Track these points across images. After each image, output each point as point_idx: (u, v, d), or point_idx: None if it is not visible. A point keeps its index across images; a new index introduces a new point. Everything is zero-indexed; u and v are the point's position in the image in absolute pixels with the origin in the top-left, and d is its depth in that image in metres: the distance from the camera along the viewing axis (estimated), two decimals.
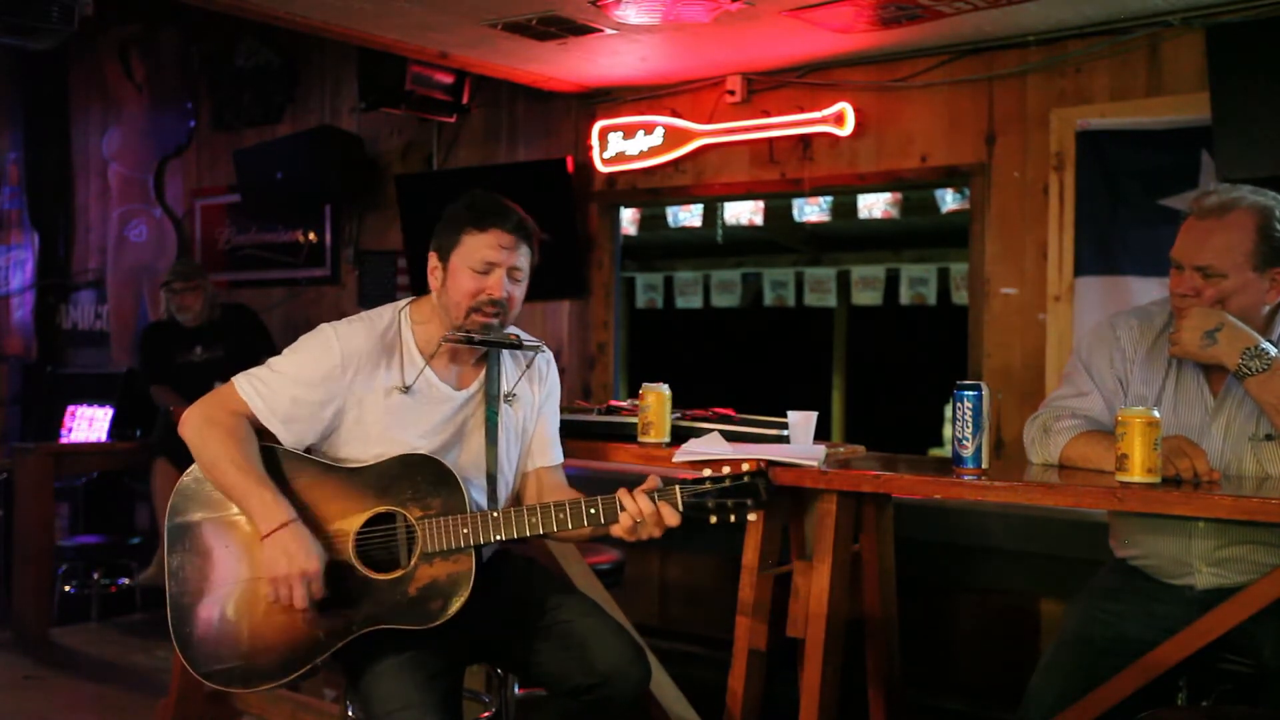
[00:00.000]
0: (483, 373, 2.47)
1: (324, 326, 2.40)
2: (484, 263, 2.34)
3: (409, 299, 2.50)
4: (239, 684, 2.31)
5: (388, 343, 2.39)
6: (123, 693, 4.20)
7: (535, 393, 2.55)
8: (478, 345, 2.39)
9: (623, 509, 2.24)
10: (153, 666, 4.47)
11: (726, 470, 2.26)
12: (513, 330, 2.45)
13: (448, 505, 2.27)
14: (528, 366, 2.54)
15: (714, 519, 2.24)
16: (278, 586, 2.21)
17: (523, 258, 2.40)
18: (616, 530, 2.26)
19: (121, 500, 6.32)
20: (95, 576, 5.34)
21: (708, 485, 2.25)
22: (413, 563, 2.26)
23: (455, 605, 2.23)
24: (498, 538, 2.26)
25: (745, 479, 2.24)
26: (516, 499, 2.56)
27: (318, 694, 3.35)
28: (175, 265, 5.90)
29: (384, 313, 2.45)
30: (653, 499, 2.24)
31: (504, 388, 2.48)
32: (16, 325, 7.77)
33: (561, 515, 2.26)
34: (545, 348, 2.55)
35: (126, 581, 5.41)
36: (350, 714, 2.47)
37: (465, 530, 2.24)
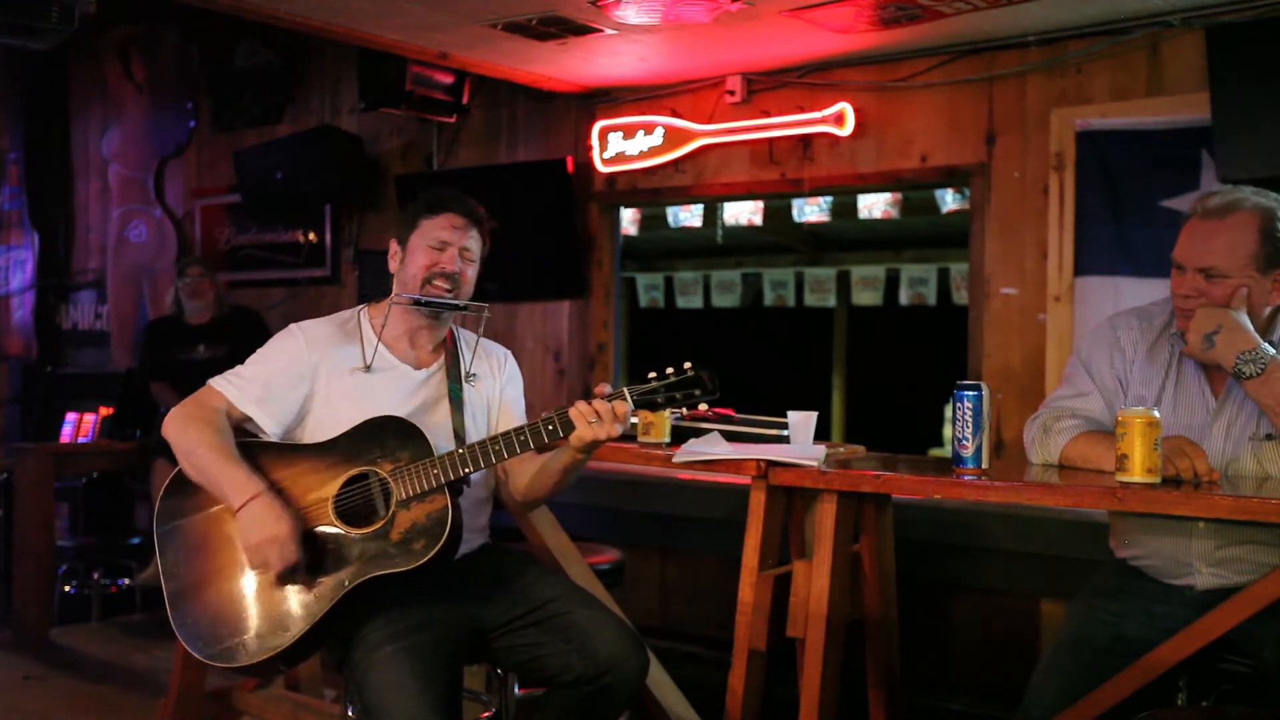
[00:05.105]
0: (441, 356, 2.63)
1: (289, 326, 2.61)
2: (439, 240, 2.56)
3: (367, 303, 2.70)
4: (242, 658, 2.34)
5: (348, 331, 2.60)
6: (123, 693, 4.20)
7: (495, 375, 2.70)
8: (423, 306, 2.54)
9: (576, 412, 2.31)
10: (152, 666, 4.47)
11: (669, 370, 2.35)
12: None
13: (416, 456, 2.36)
14: (477, 344, 2.69)
15: (667, 412, 2.53)
16: (252, 555, 2.31)
17: (473, 240, 2.61)
18: (575, 437, 2.32)
19: (121, 500, 6.33)
20: (95, 576, 5.34)
21: (654, 384, 2.34)
22: (390, 511, 2.34)
23: (439, 542, 2.29)
24: (466, 471, 2.34)
25: (690, 373, 2.34)
26: (497, 493, 2.68)
27: (318, 694, 3.35)
28: (188, 257, 5.94)
29: (344, 312, 2.68)
30: (604, 399, 2.32)
31: (464, 369, 2.64)
32: (16, 325, 7.78)
33: (521, 437, 2.34)
34: (488, 311, 2.66)
35: (126, 581, 5.41)
36: (350, 714, 2.49)
37: (435, 471, 2.33)
